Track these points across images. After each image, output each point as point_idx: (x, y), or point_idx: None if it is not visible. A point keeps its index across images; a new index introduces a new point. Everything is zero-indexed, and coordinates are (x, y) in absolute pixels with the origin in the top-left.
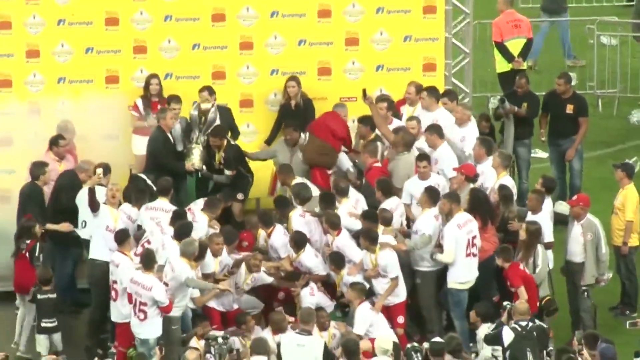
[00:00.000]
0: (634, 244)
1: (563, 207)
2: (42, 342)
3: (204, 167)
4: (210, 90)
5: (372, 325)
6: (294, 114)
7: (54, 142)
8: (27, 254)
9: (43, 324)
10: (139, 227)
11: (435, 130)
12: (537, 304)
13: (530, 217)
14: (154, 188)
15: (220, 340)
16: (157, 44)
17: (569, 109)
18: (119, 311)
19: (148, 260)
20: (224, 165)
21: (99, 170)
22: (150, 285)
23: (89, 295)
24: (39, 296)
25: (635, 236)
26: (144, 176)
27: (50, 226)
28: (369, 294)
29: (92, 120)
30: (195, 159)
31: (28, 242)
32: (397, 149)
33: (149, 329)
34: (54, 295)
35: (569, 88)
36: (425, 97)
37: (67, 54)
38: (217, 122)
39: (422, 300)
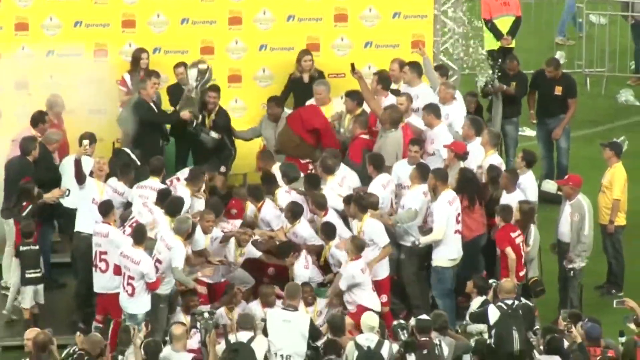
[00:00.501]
0: (620, 223)
1: (550, 186)
2: (27, 294)
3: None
4: (185, 66)
5: (357, 286)
6: (306, 87)
7: (40, 119)
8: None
9: (27, 275)
10: (128, 204)
11: (432, 109)
12: (522, 277)
13: (504, 196)
14: (138, 163)
15: (206, 315)
16: (145, 18)
17: (558, 90)
18: (106, 282)
19: (139, 235)
20: (213, 129)
21: (85, 142)
22: (139, 260)
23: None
24: (21, 248)
25: (622, 215)
26: (128, 150)
27: (46, 196)
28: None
29: (79, 94)
30: (193, 109)
31: (24, 204)
32: (384, 126)
33: (137, 304)
34: (37, 247)
35: (559, 72)
36: (407, 72)
37: (55, 28)
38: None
39: (406, 276)
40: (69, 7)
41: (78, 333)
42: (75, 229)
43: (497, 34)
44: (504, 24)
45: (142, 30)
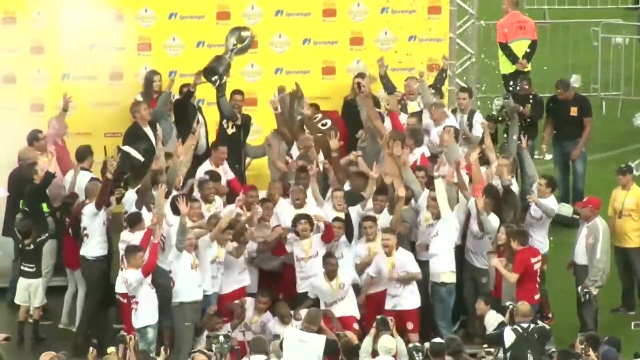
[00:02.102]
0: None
1: (565, 209)
2: (21, 286)
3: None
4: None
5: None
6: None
7: (34, 138)
8: (70, 231)
9: (22, 268)
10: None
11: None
12: (537, 300)
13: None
14: (142, 159)
15: (221, 339)
16: (161, 41)
17: (573, 111)
18: None
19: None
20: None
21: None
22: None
23: None
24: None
25: None
26: (127, 149)
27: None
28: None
29: (95, 117)
30: (223, 68)
31: (68, 220)
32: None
33: (141, 317)
34: (32, 248)
35: (570, 92)
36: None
37: (68, 51)
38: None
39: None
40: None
41: (91, 349)
42: (88, 255)
43: (513, 58)
44: (519, 47)
45: (157, 53)
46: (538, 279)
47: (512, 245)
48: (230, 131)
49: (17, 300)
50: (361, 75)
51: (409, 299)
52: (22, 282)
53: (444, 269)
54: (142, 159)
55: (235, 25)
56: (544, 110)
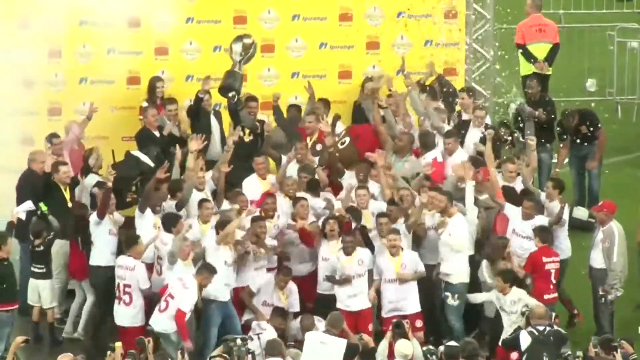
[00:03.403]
0: None
1: (581, 213)
2: (32, 287)
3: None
4: (206, 93)
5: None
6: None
7: (49, 141)
8: (79, 240)
9: (32, 269)
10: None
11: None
12: (551, 300)
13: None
14: (152, 164)
15: (239, 342)
16: (178, 45)
17: (583, 129)
18: (132, 316)
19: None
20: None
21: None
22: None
23: None
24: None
25: None
26: (136, 154)
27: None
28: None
29: (112, 121)
30: (237, 83)
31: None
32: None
33: (168, 322)
34: (42, 249)
35: (575, 118)
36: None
37: (88, 55)
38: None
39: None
40: (103, 35)
41: (109, 353)
42: (94, 263)
43: (532, 58)
44: (539, 50)
45: (174, 57)
46: (553, 280)
47: (534, 242)
48: (247, 138)
49: (29, 301)
50: (369, 79)
51: (410, 302)
52: (32, 282)
53: (457, 271)
54: (151, 164)
55: (237, 35)
56: (557, 112)
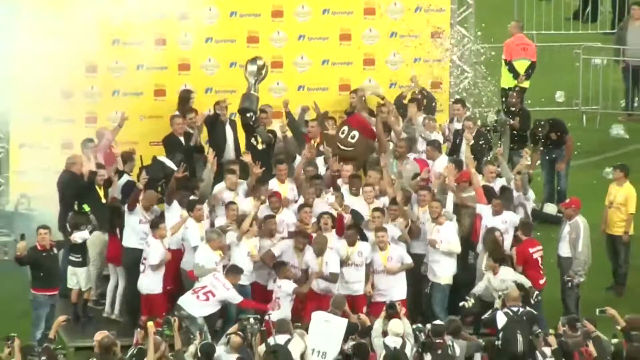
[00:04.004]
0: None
1: (550, 208)
2: (70, 273)
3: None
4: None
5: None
6: None
7: (86, 145)
8: (117, 232)
9: (70, 258)
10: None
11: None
12: (542, 285)
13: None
14: (175, 168)
15: (252, 320)
16: (199, 62)
17: (553, 137)
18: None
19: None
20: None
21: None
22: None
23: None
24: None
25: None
26: (162, 158)
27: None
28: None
29: (141, 128)
30: (254, 105)
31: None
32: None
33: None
34: (80, 241)
35: (546, 130)
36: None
37: (120, 70)
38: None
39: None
40: (133, 53)
41: (138, 329)
42: (125, 245)
43: (515, 73)
44: (521, 66)
45: (196, 72)
46: (541, 266)
47: (517, 234)
48: (260, 147)
49: (68, 285)
50: (355, 90)
51: (397, 290)
52: (70, 269)
53: (446, 274)
54: (175, 168)
55: (248, 59)
56: (530, 121)
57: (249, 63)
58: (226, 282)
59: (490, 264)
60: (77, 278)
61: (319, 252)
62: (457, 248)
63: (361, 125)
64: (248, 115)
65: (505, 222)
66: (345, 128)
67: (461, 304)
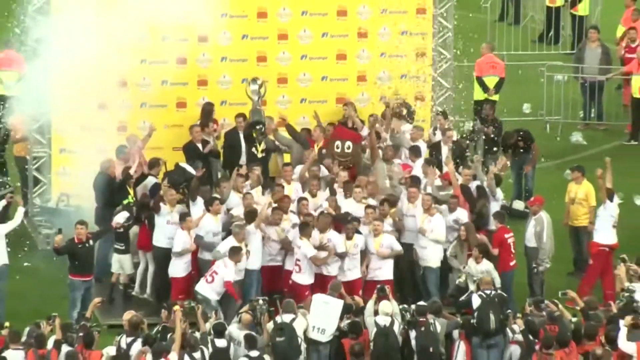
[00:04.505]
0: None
1: (519, 205)
2: (114, 259)
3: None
4: (243, 117)
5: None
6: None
7: (120, 151)
8: (146, 222)
9: (115, 246)
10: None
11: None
12: (513, 267)
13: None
14: (194, 173)
15: (261, 302)
16: (215, 78)
17: (521, 144)
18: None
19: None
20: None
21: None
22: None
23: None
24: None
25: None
26: (183, 165)
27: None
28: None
29: (165, 135)
30: (262, 118)
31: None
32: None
33: (212, 292)
34: (122, 231)
35: (515, 139)
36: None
37: (147, 85)
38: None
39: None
40: (158, 70)
41: (163, 310)
42: (155, 244)
43: (485, 88)
44: (490, 81)
45: (212, 87)
46: (512, 250)
47: (494, 223)
48: (259, 155)
49: (112, 270)
50: (346, 103)
51: (384, 270)
52: (115, 256)
53: (435, 258)
54: (194, 173)
55: (249, 80)
56: (502, 129)
57: (251, 83)
58: (228, 261)
59: (475, 254)
60: (121, 264)
61: (323, 230)
62: (443, 237)
63: (349, 135)
64: (258, 127)
65: (457, 219)
66: (339, 142)
67: (457, 281)
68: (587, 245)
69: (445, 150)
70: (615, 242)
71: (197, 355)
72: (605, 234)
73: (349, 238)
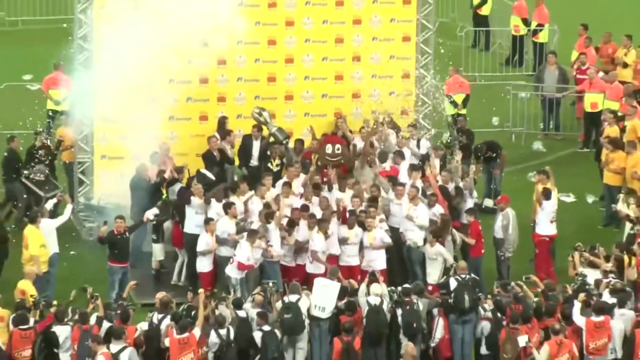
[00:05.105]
0: None
1: (489, 203)
2: (153, 248)
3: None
4: (258, 127)
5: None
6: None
7: (154, 157)
8: (178, 220)
9: (152, 236)
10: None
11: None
12: (482, 251)
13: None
14: (213, 178)
15: (271, 284)
16: (232, 95)
17: (491, 154)
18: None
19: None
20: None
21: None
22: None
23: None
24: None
25: None
26: (203, 171)
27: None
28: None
29: (190, 144)
30: (282, 133)
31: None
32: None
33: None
34: (155, 223)
35: (485, 150)
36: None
37: (175, 101)
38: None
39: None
40: (184, 89)
41: (189, 292)
42: (186, 231)
43: (454, 104)
44: (459, 98)
45: (230, 103)
46: (482, 240)
47: (468, 218)
48: (275, 169)
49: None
50: (340, 116)
51: (379, 261)
52: (153, 246)
53: (418, 240)
54: (213, 178)
55: (256, 110)
56: (474, 139)
57: (262, 113)
58: (244, 242)
59: (429, 239)
60: (154, 251)
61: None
62: (426, 223)
63: (338, 140)
64: (285, 142)
65: (435, 213)
66: (330, 145)
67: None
68: (531, 235)
69: (436, 162)
70: (554, 233)
71: (223, 331)
72: (544, 227)
73: (350, 227)
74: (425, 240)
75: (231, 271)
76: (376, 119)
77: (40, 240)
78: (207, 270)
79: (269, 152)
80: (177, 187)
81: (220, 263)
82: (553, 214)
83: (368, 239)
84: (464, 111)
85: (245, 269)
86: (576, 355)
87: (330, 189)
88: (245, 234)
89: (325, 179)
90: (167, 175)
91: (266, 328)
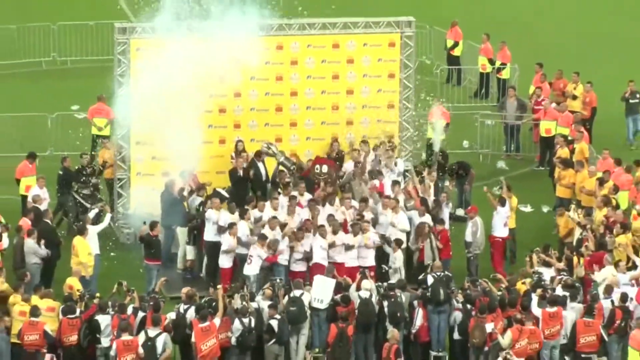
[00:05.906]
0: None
1: (460, 212)
2: (187, 250)
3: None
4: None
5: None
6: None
7: (182, 174)
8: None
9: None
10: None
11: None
12: (450, 253)
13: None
14: (227, 196)
15: (278, 281)
16: (246, 122)
17: (461, 172)
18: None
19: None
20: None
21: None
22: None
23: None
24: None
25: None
26: (219, 190)
27: None
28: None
29: (211, 163)
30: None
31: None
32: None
33: (251, 270)
34: (186, 228)
35: (456, 169)
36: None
37: (198, 128)
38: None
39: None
40: (206, 117)
41: (210, 287)
42: (206, 238)
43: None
44: (439, 124)
45: (244, 129)
46: (450, 244)
47: (438, 227)
48: (283, 192)
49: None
50: (333, 138)
51: (368, 259)
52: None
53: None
54: (227, 196)
55: (265, 146)
56: (448, 159)
57: (270, 147)
58: (258, 247)
59: (393, 246)
60: (187, 252)
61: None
62: (407, 227)
63: (325, 162)
64: (292, 168)
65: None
66: (318, 165)
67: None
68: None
69: (431, 184)
70: (506, 235)
71: (245, 320)
72: (498, 230)
73: (355, 235)
74: (408, 240)
75: (248, 270)
76: (382, 140)
77: (88, 249)
78: (228, 266)
79: (278, 179)
80: (197, 200)
81: (239, 259)
82: (505, 218)
83: (363, 240)
84: (443, 136)
85: (271, 262)
86: (537, 337)
87: (323, 205)
88: (256, 237)
89: (316, 194)
90: (185, 193)
91: (278, 317)
